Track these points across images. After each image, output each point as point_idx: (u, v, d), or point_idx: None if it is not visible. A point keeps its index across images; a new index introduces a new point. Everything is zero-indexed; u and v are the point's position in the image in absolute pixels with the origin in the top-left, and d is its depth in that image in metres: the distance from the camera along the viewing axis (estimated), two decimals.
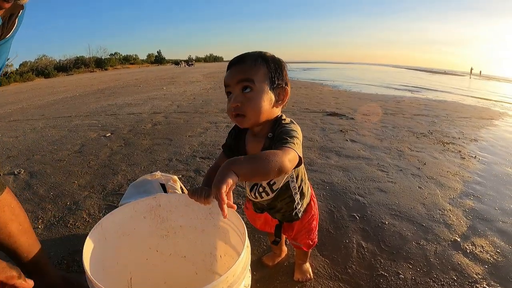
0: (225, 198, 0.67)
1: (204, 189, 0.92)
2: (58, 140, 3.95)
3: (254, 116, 0.91)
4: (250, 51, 0.96)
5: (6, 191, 0.96)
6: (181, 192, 1.56)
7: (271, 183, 1.03)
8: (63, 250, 1.63)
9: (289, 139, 0.85)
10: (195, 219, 0.98)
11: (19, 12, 0.82)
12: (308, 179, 1.19)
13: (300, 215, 1.14)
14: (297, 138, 0.88)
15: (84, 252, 0.72)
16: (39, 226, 1.88)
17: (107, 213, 0.88)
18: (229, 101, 0.93)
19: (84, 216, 1.99)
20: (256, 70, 0.90)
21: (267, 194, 1.06)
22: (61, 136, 4.13)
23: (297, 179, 1.07)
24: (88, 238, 0.76)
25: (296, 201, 1.10)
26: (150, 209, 0.95)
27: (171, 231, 0.98)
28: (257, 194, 1.08)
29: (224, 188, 0.68)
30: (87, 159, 3.10)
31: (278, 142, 0.86)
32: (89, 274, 0.64)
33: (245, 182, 1.12)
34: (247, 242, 0.74)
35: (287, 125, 0.93)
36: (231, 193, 0.77)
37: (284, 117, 0.99)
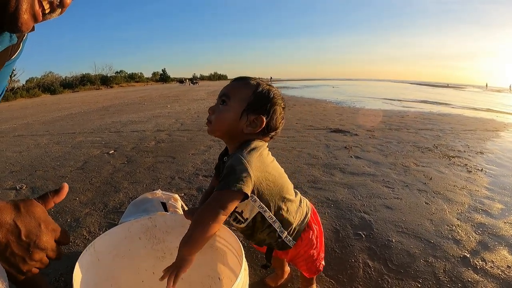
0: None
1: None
2: (61, 156, 3.96)
3: (217, 126, 0.98)
4: (259, 79, 1.03)
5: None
6: (181, 211, 1.53)
7: (238, 210, 0.98)
8: (61, 267, 1.59)
9: (226, 177, 0.87)
10: None
11: (24, 36, 0.82)
12: (307, 202, 1.16)
13: (290, 244, 1.07)
14: (239, 169, 0.87)
15: (75, 275, 0.69)
16: None
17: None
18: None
19: (84, 234, 1.96)
20: (239, 90, 0.98)
21: (240, 222, 1.01)
22: (65, 153, 4.14)
23: (270, 208, 0.99)
24: (79, 259, 0.73)
25: (279, 229, 1.03)
26: (145, 230, 0.93)
27: (168, 253, 0.95)
28: (232, 222, 1.03)
29: (180, 274, 0.80)
30: (89, 176, 3.09)
31: (218, 184, 0.89)
32: None
33: None
34: (245, 265, 0.71)
35: (237, 154, 0.92)
36: None
37: (252, 144, 0.96)
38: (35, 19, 0.62)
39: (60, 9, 0.66)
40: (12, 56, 0.81)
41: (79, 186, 2.82)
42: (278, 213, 1.02)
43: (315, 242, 1.16)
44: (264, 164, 0.95)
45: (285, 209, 1.04)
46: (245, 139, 0.98)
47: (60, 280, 1.49)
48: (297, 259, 1.16)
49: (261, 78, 1.12)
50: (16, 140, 5.26)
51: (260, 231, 1.03)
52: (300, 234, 1.11)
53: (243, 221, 1.01)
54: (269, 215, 1.01)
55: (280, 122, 1.03)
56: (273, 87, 1.03)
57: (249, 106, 0.96)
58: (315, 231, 1.16)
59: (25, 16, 0.59)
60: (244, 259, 0.72)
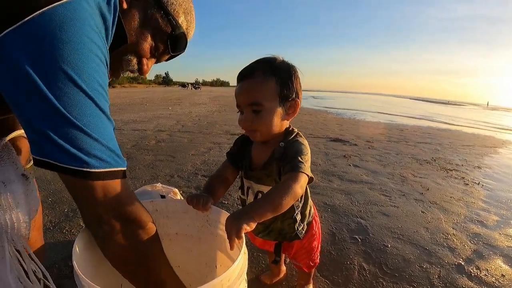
0: (242, 236, 0.71)
1: (203, 195, 0.91)
2: None
3: (266, 131, 0.94)
4: (260, 59, 0.96)
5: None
6: None
7: None
8: (56, 255, 1.59)
9: (299, 160, 0.87)
10: (192, 226, 0.95)
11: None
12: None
13: (301, 236, 1.10)
14: (306, 154, 0.90)
15: (74, 255, 0.69)
16: None
17: None
18: (240, 118, 0.95)
19: (81, 223, 1.96)
20: (265, 87, 0.90)
21: None
22: None
23: (301, 198, 1.05)
24: (77, 241, 0.72)
25: (298, 222, 1.07)
26: None
27: (167, 238, 0.96)
28: None
29: (243, 231, 0.70)
30: None
31: (288, 164, 0.88)
32: (79, 272, 0.61)
33: (241, 198, 1.12)
34: (244, 249, 0.72)
35: (297, 139, 0.96)
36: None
37: (292, 128, 1.01)
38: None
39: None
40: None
41: None
42: (302, 203, 1.06)
43: (317, 233, 1.18)
44: None
45: (306, 200, 1.09)
46: (286, 125, 0.99)
47: (54, 267, 1.49)
48: (299, 251, 1.17)
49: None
50: None
51: (281, 221, 1.05)
52: (309, 225, 1.14)
53: None
54: (297, 204, 1.04)
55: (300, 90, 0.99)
56: (277, 59, 0.95)
57: (281, 97, 0.92)
58: (318, 222, 1.19)
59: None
60: (244, 244, 0.73)
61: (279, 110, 0.93)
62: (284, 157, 0.92)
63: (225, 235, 0.72)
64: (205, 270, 0.98)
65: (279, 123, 0.95)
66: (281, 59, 0.96)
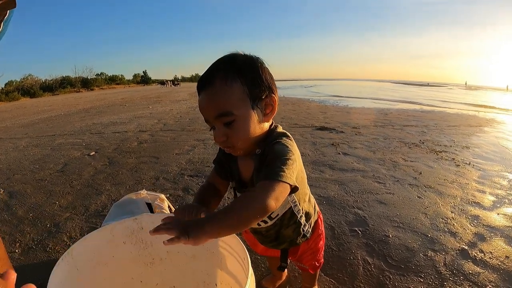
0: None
1: (193, 206, 0.80)
2: (40, 159, 3.76)
3: (243, 145, 0.80)
4: (218, 61, 0.80)
5: None
6: (169, 212, 1.42)
7: None
8: (41, 276, 1.46)
9: (277, 165, 0.72)
10: None
11: (5, 15, 0.70)
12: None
13: (308, 235, 1.01)
14: (289, 158, 0.74)
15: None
16: (16, 251, 1.74)
17: None
18: (214, 135, 0.80)
19: (65, 240, 1.83)
20: (229, 94, 0.75)
21: (265, 222, 0.93)
22: (44, 155, 3.94)
23: (299, 202, 0.93)
24: (54, 271, 0.62)
25: (303, 224, 0.96)
26: (130, 233, 0.82)
27: (157, 258, 0.85)
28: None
29: (185, 243, 0.60)
30: (70, 179, 2.92)
31: (264, 170, 0.73)
32: None
33: None
34: (251, 272, 0.61)
35: (279, 140, 0.80)
36: None
37: (278, 129, 0.86)
38: None
39: None
40: None
41: (59, 189, 2.65)
42: (303, 205, 0.95)
43: (322, 232, 1.09)
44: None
45: (307, 200, 0.97)
46: (267, 128, 0.83)
47: None
48: (305, 253, 1.07)
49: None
50: None
51: (285, 229, 0.94)
52: (315, 224, 1.04)
53: (269, 220, 0.91)
54: (298, 209, 0.92)
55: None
56: (237, 56, 0.80)
57: (252, 99, 0.77)
58: (322, 220, 1.10)
59: None
60: (250, 264, 0.63)
61: (254, 114, 0.78)
62: (262, 165, 0.77)
63: (224, 252, 0.62)
64: None
65: (258, 129, 0.80)
66: (242, 53, 0.81)
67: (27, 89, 39.08)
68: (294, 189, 0.73)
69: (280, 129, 0.86)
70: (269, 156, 0.76)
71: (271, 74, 0.83)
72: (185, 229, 0.61)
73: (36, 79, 47.17)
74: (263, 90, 0.79)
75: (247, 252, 0.66)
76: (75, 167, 3.33)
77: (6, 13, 0.70)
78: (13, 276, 0.55)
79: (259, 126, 0.80)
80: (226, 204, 0.83)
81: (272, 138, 0.81)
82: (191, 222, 0.63)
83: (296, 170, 0.75)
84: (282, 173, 0.70)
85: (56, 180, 2.93)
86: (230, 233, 0.66)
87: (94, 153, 3.92)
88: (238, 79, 0.76)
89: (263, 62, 0.82)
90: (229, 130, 0.76)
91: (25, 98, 33.31)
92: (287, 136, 0.83)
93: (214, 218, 0.64)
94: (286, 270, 1.43)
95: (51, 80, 49.13)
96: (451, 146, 4.03)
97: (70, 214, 2.18)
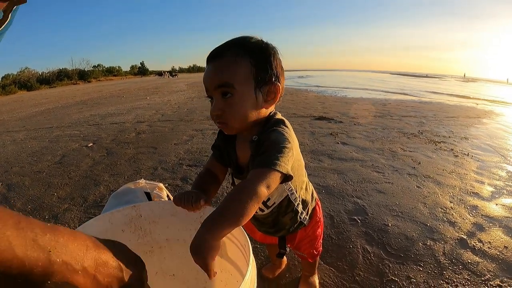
0: (214, 269, 0.62)
1: (191, 193, 0.78)
2: (38, 151, 3.74)
3: (237, 124, 0.79)
4: (233, 38, 0.80)
5: None
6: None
7: (265, 200, 0.88)
8: None
9: (273, 153, 0.71)
10: (184, 230, 0.83)
11: (13, 7, 0.69)
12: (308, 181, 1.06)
13: (306, 222, 1.00)
14: (286, 147, 0.73)
15: None
16: None
17: None
18: (211, 106, 0.79)
19: None
20: (236, 68, 0.75)
21: (262, 211, 0.92)
22: (42, 147, 3.91)
23: (296, 190, 0.91)
24: None
25: (300, 211, 0.96)
26: (129, 221, 0.80)
27: (156, 246, 0.84)
28: None
29: (211, 262, 0.61)
30: (68, 170, 2.91)
31: (259, 157, 0.73)
32: None
33: None
34: (252, 259, 0.61)
35: (276, 128, 0.78)
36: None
37: (277, 116, 0.85)
38: None
39: None
40: (0, 27, 0.69)
41: (57, 181, 2.64)
42: (300, 193, 0.94)
43: (320, 220, 1.08)
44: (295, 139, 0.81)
45: (304, 187, 0.96)
46: (265, 114, 0.82)
47: None
48: (303, 241, 1.07)
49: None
50: None
51: (283, 216, 0.94)
52: (313, 211, 1.04)
53: (265, 209, 0.91)
54: (295, 197, 0.91)
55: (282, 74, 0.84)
56: (252, 38, 0.80)
57: (257, 80, 0.76)
58: (320, 207, 1.09)
59: None
60: (251, 251, 0.62)
61: (255, 96, 0.77)
62: (258, 151, 0.76)
63: (224, 238, 0.62)
64: (203, 277, 0.86)
65: (254, 112, 0.79)
66: (258, 38, 0.81)
67: (24, 82, 38.78)
68: (288, 178, 0.73)
69: (279, 116, 0.84)
70: (265, 143, 0.75)
71: (281, 65, 0.82)
72: (203, 257, 0.61)
73: (33, 72, 46.83)
74: (270, 76, 0.78)
75: (248, 238, 0.65)
76: (73, 158, 3.31)
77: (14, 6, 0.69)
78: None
79: (256, 110, 0.79)
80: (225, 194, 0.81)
81: (269, 125, 0.80)
82: (202, 245, 0.61)
83: (292, 159, 0.74)
84: (276, 161, 0.69)
85: (54, 172, 2.91)
86: (233, 229, 0.65)
87: (92, 144, 3.90)
88: (248, 58, 0.76)
89: (278, 52, 0.82)
90: (225, 104, 0.76)
91: (22, 91, 33.04)
92: (285, 123, 0.81)
93: (216, 225, 0.62)
94: (285, 258, 1.43)
95: (48, 73, 48.77)
96: (449, 137, 4.03)
97: (69, 205, 2.17)
